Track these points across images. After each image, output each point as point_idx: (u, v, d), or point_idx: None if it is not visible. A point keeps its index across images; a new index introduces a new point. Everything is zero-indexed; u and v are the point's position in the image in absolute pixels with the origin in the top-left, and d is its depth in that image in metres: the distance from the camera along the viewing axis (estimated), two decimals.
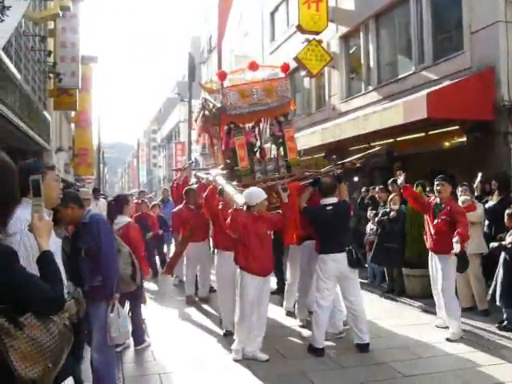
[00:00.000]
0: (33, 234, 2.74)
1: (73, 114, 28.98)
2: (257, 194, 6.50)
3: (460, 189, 8.76)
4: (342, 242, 6.68)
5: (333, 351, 6.71)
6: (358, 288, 6.97)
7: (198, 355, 6.72)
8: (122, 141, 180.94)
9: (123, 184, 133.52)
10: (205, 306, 9.52)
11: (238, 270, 6.53)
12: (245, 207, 6.46)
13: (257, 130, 8.90)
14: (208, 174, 8.92)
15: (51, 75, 17.67)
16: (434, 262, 7.55)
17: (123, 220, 6.66)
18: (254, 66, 8.15)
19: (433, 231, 7.47)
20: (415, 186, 10.02)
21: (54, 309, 2.59)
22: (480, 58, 11.11)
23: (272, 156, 8.53)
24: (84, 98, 28.55)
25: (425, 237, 7.81)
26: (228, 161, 8.29)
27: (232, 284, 7.17)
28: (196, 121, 9.84)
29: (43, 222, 2.78)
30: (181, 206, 9.84)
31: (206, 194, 7.61)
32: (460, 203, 8.42)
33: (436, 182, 7.53)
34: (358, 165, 8.85)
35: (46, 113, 17.33)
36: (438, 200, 7.51)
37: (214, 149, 9.60)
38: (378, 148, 9.39)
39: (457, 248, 6.71)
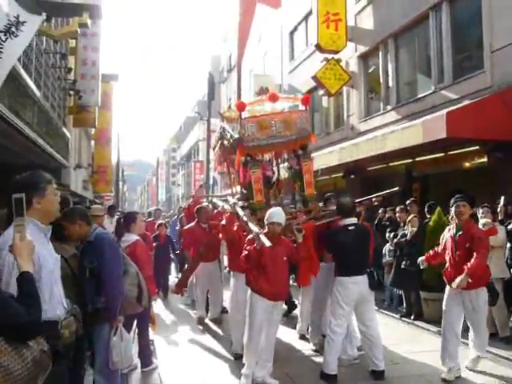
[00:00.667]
0: (13, 254, 2.62)
1: (93, 131, 29.20)
2: (270, 214, 6.32)
3: (481, 210, 8.49)
4: (363, 264, 6.50)
5: (346, 378, 6.47)
6: (373, 312, 6.77)
7: (206, 379, 6.55)
8: (143, 159, 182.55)
9: (142, 202, 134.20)
10: (215, 328, 9.32)
11: (249, 291, 6.33)
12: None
13: (274, 162, 8.78)
14: (224, 200, 8.83)
15: (71, 92, 17.79)
16: (459, 299, 6.43)
17: (130, 238, 6.52)
18: (274, 98, 8.02)
19: (455, 264, 6.39)
20: (426, 207, 9.86)
21: (27, 334, 2.44)
22: (501, 77, 10.90)
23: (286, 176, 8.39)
24: (104, 115, 28.79)
25: (445, 273, 6.64)
26: (244, 191, 8.17)
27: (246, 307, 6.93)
28: (214, 149, 9.74)
29: (25, 242, 2.65)
30: (192, 223, 9.69)
31: (224, 222, 7.50)
32: (481, 226, 8.15)
33: (456, 204, 6.48)
34: (376, 203, 8.73)
35: (65, 130, 17.41)
36: (454, 227, 6.58)
37: (231, 177, 9.52)
38: (396, 188, 9.23)
39: (457, 282, 6.04)
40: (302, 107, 8.24)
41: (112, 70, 32.07)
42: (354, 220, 6.71)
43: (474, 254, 6.12)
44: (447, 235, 6.68)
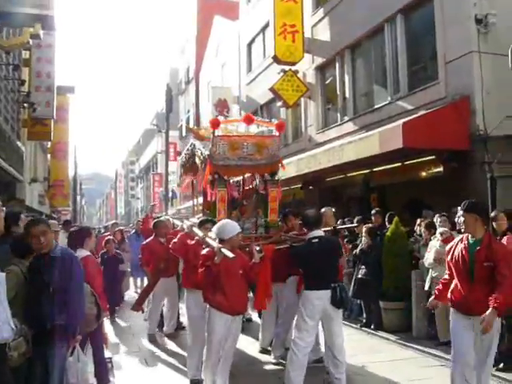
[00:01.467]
0: None
1: (49, 144, 28.71)
2: (231, 227, 6.18)
3: (439, 219, 8.57)
4: (328, 278, 6.23)
5: None
6: (340, 327, 6.41)
7: None
8: (102, 172, 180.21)
9: (101, 216, 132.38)
10: (172, 344, 9.10)
11: (207, 307, 6.18)
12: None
13: (241, 187, 8.72)
14: (182, 219, 8.75)
15: (25, 105, 17.45)
16: (469, 322, 5.17)
17: (81, 253, 6.31)
18: (249, 120, 7.98)
19: (469, 285, 5.15)
20: (387, 217, 9.96)
21: None
22: (455, 88, 11.08)
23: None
24: (60, 128, 28.43)
25: (453, 293, 5.35)
26: (207, 211, 8.08)
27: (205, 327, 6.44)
28: (183, 166, 9.60)
29: None
30: (151, 238, 9.51)
31: (175, 240, 7.41)
32: (438, 235, 8.23)
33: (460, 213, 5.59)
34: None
35: (19, 143, 17.07)
36: (469, 239, 5.28)
37: (194, 195, 9.45)
38: (355, 225, 9.34)
39: (483, 326, 4.76)
40: (275, 133, 8.14)
41: (68, 82, 31.73)
42: (318, 233, 6.48)
43: (499, 276, 4.97)
44: (460, 247, 5.35)
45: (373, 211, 10.84)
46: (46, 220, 5.07)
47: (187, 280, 7.17)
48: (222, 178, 7.74)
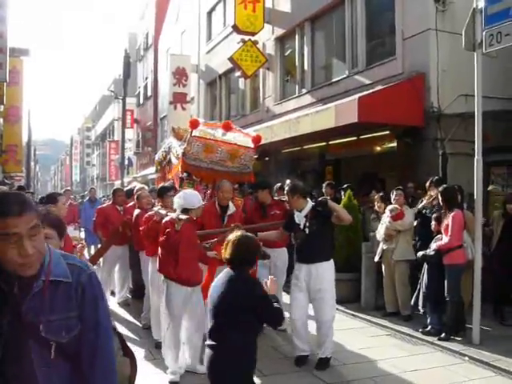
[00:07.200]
0: None
1: (1, 108, 27.95)
2: (197, 197, 6.16)
3: (395, 193, 8.58)
4: None
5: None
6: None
7: None
8: (57, 138, 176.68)
9: (56, 182, 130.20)
10: (123, 312, 9.09)
11: (162, 279, 6.08)
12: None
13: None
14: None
15: None
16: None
17: None
18: (227, 127, 7.96)
19: None
20: (343, 190, 10.09)
21: None
22: (411, 65, 11.19)
23: None
24: (13, 91, 27.70)
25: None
26: None
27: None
28: (161, 163, 9.48)
29: None
30: (108, 203, 9.47)
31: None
32: (387, 211, 8.36)
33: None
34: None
35: None
36: None
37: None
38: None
39: None
40: (251, 144, 8.11)
41: (23, 45, 30.82)
42: None
43: None
44: None
45: (324, 184, 10.96)
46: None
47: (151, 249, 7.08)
48: (192, 177, 7.75)
